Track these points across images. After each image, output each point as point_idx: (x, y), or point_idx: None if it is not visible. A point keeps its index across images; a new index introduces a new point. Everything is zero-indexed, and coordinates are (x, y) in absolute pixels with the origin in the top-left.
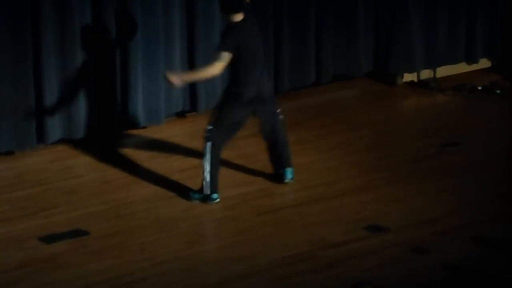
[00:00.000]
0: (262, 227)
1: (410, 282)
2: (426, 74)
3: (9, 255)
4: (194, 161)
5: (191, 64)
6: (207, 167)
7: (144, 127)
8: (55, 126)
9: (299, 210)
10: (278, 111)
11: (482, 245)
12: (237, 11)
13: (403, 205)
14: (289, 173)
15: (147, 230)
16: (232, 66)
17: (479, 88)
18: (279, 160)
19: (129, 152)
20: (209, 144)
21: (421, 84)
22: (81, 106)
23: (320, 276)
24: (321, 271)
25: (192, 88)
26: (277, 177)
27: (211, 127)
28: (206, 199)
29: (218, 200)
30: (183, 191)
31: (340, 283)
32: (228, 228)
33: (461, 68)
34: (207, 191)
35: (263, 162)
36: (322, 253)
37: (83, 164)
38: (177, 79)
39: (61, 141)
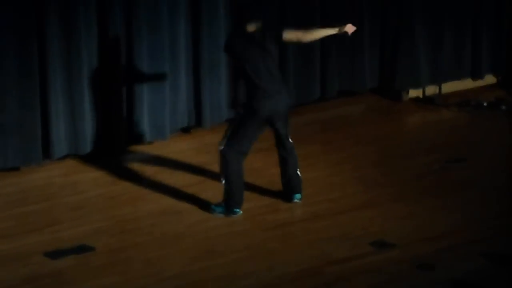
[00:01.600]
0: (268, 242)
1: None
2: (431, 90)
3: (14, 271)
4: (199, 176)
5: (197, 79)
6: (223, 181)
7: (150, 143)
8: (61, 142)
9: (305, 226)
10: (289, 137)
11: (488, 261)
12: (247, 22)
13: (409, 221)
14: (296, 199)
15: (153, 246)
16: (244, 80)
17: (485, 104)
18: (287, 185)
19: (135, 168)
20: (222, 158)
21: (427, 100)
22: (86, 122)
23: None
24: (327, 287)
25: (197, 103)
26: (286, 198)
27: (225, 141)
28: (228, 212)
29: (240, 213)
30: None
31: None
32: (233, 244)
33: (467, 84)
34: (227, 204)
35: (269, 178)
36: (328, 269)
37: (89, 180)
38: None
39: (67, 156)
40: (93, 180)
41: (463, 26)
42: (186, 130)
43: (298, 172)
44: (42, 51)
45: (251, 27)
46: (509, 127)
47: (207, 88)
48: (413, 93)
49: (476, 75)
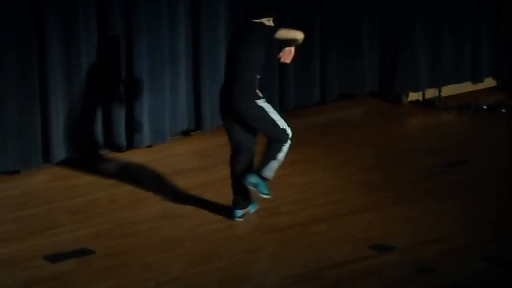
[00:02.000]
0: (267, 246)
1: None
2: (431, 93)
3: (14, 274)
4: (199, 180)
5: (197, 82)
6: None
7: (150, 146)
8: (60, 145)
9: (305, 229)
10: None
11: (489, 264)
12: (255, 16)
13: (409, 224)
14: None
15: (152, 249)
16: None
17: (484, 107)
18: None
19: (134, 171)
20: None
21: (426, 103)
22: (86, 125)
23: None
24: None
25: (197, 106)
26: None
27: None
28: (230, 214)
29: (239, 217)
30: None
31: None
32: (233, 247)
33: (466, 87)
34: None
35: (268, 181)
36: (328, 272)
37: (89, 183)
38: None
39: (67, 160)
40: (92, 184)
41: (462, 29)
42: (186, 134)
43: (252, 179)
44: (41, 53)
45: (256, 21)
46: (509, 130)
47: (207, 91)
48: (413, 96)
49: (476, 78)
